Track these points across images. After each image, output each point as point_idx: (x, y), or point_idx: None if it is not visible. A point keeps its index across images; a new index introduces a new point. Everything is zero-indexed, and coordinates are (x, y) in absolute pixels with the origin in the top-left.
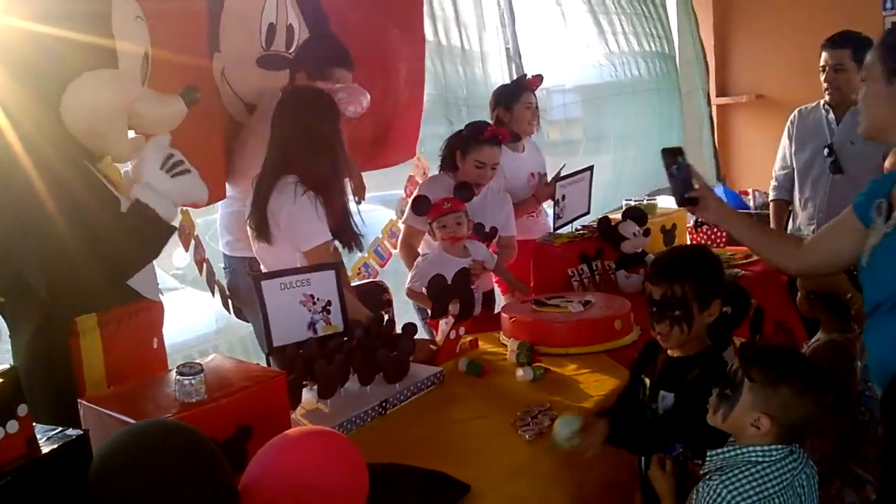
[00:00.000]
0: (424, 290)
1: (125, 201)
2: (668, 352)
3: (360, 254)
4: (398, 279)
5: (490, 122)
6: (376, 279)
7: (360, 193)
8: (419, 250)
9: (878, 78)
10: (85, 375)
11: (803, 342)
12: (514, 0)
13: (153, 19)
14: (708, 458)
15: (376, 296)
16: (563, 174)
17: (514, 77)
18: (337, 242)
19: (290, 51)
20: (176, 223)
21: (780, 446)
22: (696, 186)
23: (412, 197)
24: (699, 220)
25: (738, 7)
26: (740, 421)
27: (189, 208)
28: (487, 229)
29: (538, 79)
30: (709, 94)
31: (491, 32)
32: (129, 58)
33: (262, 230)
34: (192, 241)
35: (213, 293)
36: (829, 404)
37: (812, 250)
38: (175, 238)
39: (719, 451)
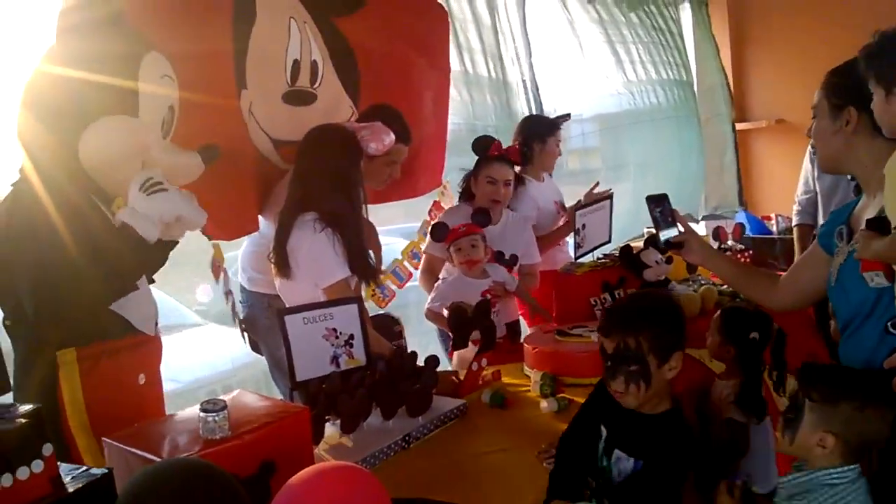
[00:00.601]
0: (444, 311)
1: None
2: None
3: None
4: (418, 311)
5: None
6: (387, 312)
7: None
8: (440, 277)
9: (825, 114)
10: (67, 407)
11: None
12: (532, 31)
13: (182, 58)
14: (781, 486)
15: (387, 327)
16: (595, 192)
17: (534, 108)
18: None
19: (315, 86)
20: (165, 244)
21: (853, 466)
22: (681, 230)
23: (431, 225)
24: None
25: (754, 32)
26: (806, 442)
27: (219, 241)
28: (507, 256)
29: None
30: (733, 120)
31: (508, 63)
32: (151, 109)
33: (283, 266)
34: (222, 274)
35: (236, 324)
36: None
37: (786, 286)
38: (205, 272)
39: (792, 476)
